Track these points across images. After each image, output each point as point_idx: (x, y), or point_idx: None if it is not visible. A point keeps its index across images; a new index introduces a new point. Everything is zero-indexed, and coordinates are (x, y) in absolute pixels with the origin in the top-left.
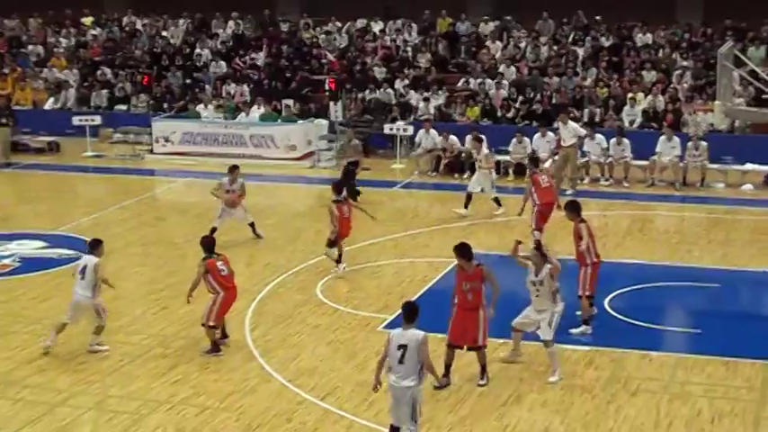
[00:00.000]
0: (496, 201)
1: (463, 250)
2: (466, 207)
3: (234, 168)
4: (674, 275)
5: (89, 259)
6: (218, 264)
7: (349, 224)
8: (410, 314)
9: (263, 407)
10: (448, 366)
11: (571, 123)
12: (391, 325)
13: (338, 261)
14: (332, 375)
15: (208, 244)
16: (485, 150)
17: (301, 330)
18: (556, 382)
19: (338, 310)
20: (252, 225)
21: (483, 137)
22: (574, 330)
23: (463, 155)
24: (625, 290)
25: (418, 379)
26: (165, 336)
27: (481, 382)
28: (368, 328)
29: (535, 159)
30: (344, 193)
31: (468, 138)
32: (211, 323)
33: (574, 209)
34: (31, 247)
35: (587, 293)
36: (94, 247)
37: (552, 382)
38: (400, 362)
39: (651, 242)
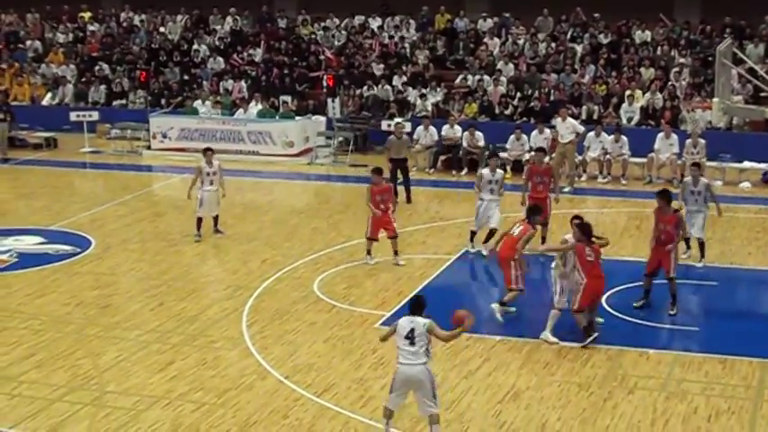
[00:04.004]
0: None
1: (663, 194)
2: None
3: (208, 150)
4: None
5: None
6: (587, 249)
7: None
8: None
9: (259, 403)
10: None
11: (569, 120)
12: (389, 321)
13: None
14: (329, 372)
15: (587, 230)
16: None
17: (298, 327)
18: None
19: (335, 306)
20: (215, 218)
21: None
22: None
23: (461, 152)
24: (623, 287)
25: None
26: (162, 332)
27: (671, 312)
28: (365, 324)
29: (541, 150)
30: None
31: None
32: (575, 307)
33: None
34: (28, 243)
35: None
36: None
37: None
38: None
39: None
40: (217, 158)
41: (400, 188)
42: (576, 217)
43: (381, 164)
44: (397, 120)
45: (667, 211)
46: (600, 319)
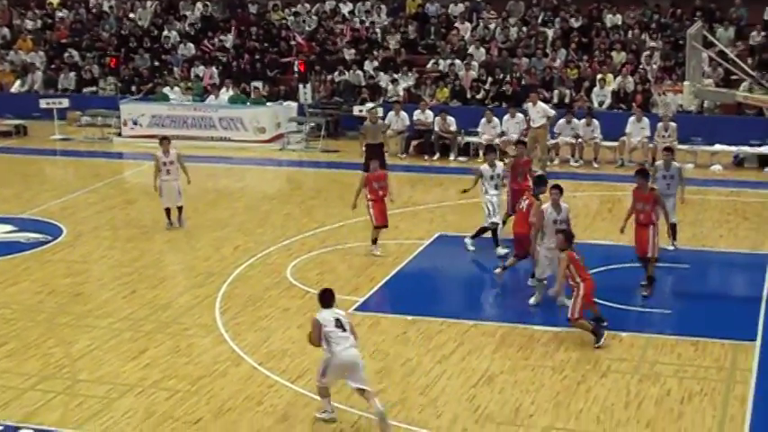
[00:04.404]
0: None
1: (641, 173)
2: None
3: (164, 139)
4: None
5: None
6: (576, 255)
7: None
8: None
9: (233, 390)
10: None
11: (540, 104)
12: (362, 307)
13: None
14: (303, 358)
15: (570, 237)
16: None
17: (272, 313)
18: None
19: (309, 292)
20: (180, 209)
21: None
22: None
23: (433, 137)
24: (595, 271)
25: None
26: (134, 319)
27: (644, 293)
28: None
29: (522, 143)
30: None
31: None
32: (575, 315)
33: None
34: None
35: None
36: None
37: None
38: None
39: (621, 223)
40: (174, 147)
41: None
42: (555, 186)
43: (353, 149)
44: (369, 105)
45: (645, 189)
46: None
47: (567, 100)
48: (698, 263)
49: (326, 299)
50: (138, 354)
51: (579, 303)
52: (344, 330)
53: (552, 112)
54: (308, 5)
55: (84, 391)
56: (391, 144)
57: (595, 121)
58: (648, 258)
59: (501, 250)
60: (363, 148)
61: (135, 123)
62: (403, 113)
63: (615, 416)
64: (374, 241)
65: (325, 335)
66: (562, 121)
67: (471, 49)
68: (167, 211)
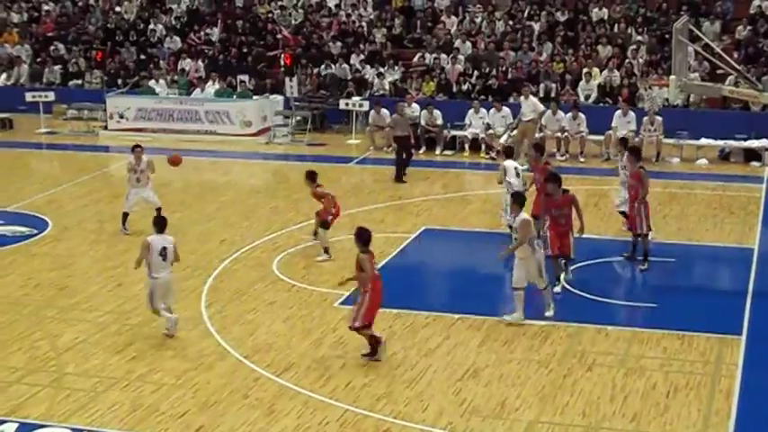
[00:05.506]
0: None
1: (632, 151)
2: None
3: (136, 147)
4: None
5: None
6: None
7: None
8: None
9: (219, 383)
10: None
11: (531, 98)
12: (348, 300)
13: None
14: (288, 351)
15: (366, 238)
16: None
17: (257, 307)
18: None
19: (294, 286)
20: (158, 210)
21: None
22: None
23: (419, 130)
24: (581, 264)
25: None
26: (120, 313)
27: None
28: (324, 304)
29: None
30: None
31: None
32: (357, 324)
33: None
34: None
35: None
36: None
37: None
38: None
39: (607, 217)
40: (146, 155)
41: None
42: (516, 194)
43: (339, 142)
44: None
45: (634, 167)
46: None
47: (552, 94)
48: (684, 257)
49: (159, 224)
50: (125, 347)
51: (364, 313)
52: (165, 260)
53: (542, 108)
54: None
55: (70, 385)
56: (376, 138)
57: (581, 115)
58: (638, 234)
59: None
60: (394, 142)
61: (121, 117)
62: (384, 110)
63: (601, 409)
64: (326, 250)
65: (148, 260)
66: (548, 113)
67: (457, 43)
68: (125, 215)
